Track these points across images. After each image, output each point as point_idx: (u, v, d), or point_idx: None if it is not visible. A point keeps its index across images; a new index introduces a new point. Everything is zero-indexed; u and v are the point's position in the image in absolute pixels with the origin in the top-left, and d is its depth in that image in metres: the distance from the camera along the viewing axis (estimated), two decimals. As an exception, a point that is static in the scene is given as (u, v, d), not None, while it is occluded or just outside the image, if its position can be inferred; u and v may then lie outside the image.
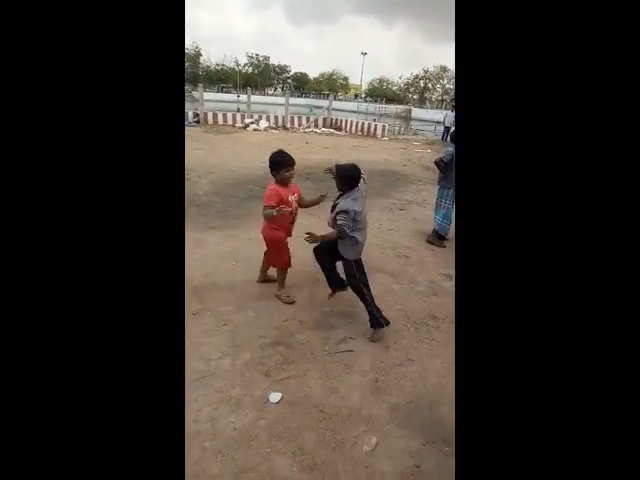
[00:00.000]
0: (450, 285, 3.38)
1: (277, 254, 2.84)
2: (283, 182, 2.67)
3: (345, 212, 2.31)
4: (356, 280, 2.51)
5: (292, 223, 2.87)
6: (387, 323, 2.52)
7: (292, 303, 2.86)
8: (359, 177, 2.44)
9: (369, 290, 2.53)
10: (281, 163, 2.63)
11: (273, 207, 2.52)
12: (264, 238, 2.80)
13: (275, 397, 1.96)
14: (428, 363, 2.32)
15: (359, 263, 2.53)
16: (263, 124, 14.54)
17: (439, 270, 3.63)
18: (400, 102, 47.36)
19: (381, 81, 60.56)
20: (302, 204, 2.88)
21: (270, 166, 2.68)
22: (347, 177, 2.42)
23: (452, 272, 3.61)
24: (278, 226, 2.72)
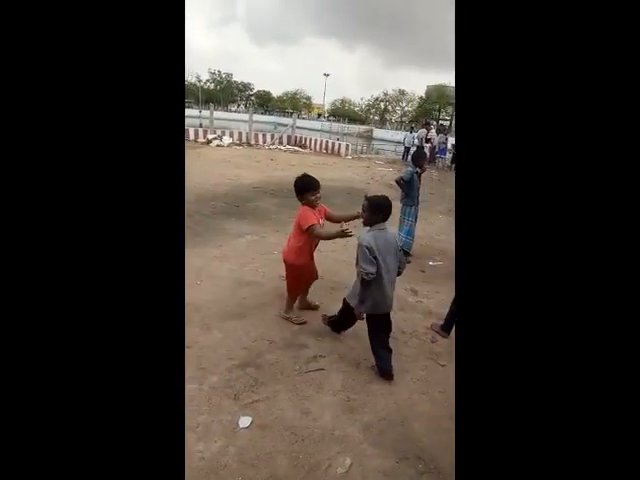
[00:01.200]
0: (415, 300, 3.47)
1: (296, 279, 2.76)
2: (311, 205, 2.59)
3: (359, 246, 2.11)
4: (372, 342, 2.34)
5: (315, 247, 2.79)
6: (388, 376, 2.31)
7: (304, 323, 2.79)
8: (388, 210, 2.21)
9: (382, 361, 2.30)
10: (307, 186, 2.56)
11: (315, 224, 2.46)
12: (286, 262, 2.70)
13: (245, 421, 1.88)
14: (398, 379, 2.34)
15: (375, 323, 2.30)
16: (227, 140, 14.44)
17: (404, 285, 3.71)
18: (362, 122, 49.00)
19: (343, 102, 62.46)
20: (332, 219, 2.75)
21: (296, 191, 2.60)
22: (376, 207, 2.21)
23: (417, 287, 3.71)
24: (305, 251, 2.63)
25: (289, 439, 1.82)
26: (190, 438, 1.76)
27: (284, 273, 3.69)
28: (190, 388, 2.07)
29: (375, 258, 2.08)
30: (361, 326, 2.91)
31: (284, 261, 2.72)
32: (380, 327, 2.34)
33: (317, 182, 2.59)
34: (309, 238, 2.57)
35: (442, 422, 2.03)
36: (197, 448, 1.72)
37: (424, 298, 3.52)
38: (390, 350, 2.35)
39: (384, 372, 2.31)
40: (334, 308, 3.11)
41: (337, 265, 4.02)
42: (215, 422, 1.87)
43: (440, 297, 3.48)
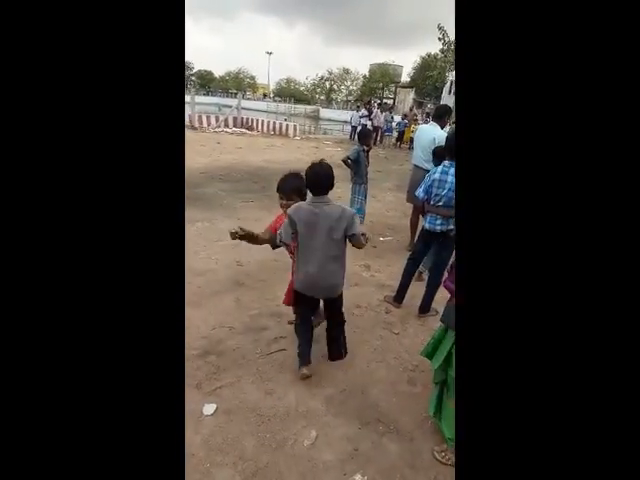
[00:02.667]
0: (369, 275, 3.60)
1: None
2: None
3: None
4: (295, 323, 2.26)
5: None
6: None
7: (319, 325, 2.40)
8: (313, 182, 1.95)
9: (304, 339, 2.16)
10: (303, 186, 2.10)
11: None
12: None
13: (209, 409, 1.88)
14: (356, 350, 2.45)
15: (302, 300, 2.09)
16: (168, 124, 13.61)
17: (358, 262, 3.83)
18: (308, 102, 48.42)
19: (288, 81, 61.13)
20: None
21: (297, 187, 2.13)
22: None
23: (370, 262, 3.84)
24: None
25: (255, 420, 1.85)
26: (153, 432, 1.74)
27: (239, 259, 3.66)
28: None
29: (295, 232, 1.91)
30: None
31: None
32: (307, 311, 2.19)
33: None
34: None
35: (398, 386, 2.17)
36: (161, 441, 1.70)
37: (376, 272, 3.66)
38: (309, 342, 2.16)
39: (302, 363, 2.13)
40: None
41: (292, 247, 4.05)
42: (178, 413, 1.85)
43: (391, 270, 3.64)
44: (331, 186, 1.95)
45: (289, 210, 1.94)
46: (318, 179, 1.92)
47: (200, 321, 2.63)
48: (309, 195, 1.99)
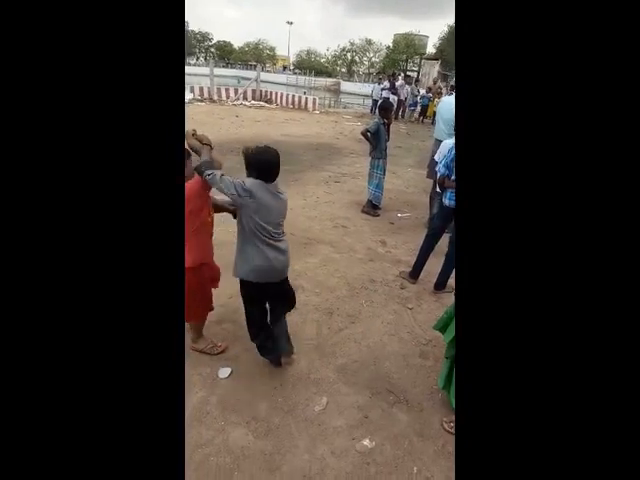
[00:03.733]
0: (385, 251, 3.58)
1: (198, 289, 1.89)
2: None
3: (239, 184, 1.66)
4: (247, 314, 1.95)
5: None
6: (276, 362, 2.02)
7: (223, 352, 2.11)
8: (263, 166, 1.73)
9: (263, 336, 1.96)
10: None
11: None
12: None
13: (224, 372, 1.96)
14: (370, 324, 2.47)
15: (255, 289, 1.82)
16: (188, 96, 13.56)
17: (375, 238, 3.81)
18: (329, 75, 47.13)
19: (309, 53, 59.39)
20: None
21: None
22: (247, 163, 1.78)
23: (386, 239, 3.81)
24: (202, 242, 1.89)
25: (267, 385, 1.92)
26: (171, 391, 1.82)
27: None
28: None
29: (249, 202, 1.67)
30: (328, 280, 3.00)
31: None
32: (261, 305, 1.95)
33: None
34: (204, 217, 1.82)
35: (410, 359, 2.19)
36: (179, 400, 1.78)
37: (393, 248, 3.63)
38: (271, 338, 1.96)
39: (274, 362, 2.02)
40: (309, 265, 3.17)
41: (309, 221, 4.04)
42: (196, 375, 1.93)
43: (408, 247, 3.61)
44: None
45: (249, 183, 1.68)
46: (275, 166, 1.75)
47: (218, 290, 2.69)
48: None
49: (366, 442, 1.66)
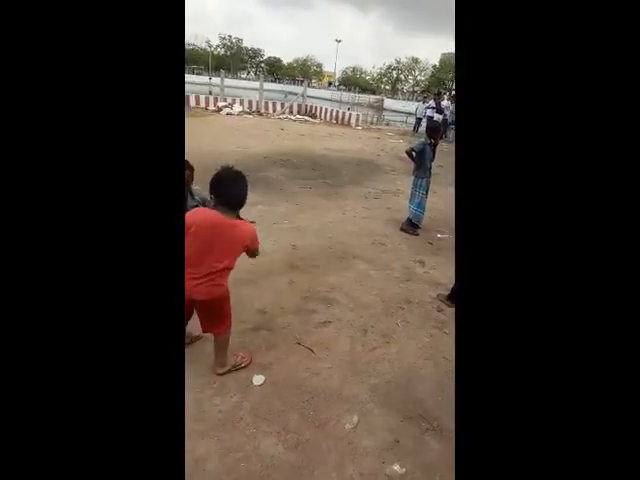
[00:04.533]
0: (422, 271, 3.52)
1: (226, 312, 1.92)
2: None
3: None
4: None
5: None
6: None
7: (250, 362, 2.11)
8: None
9: None
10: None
11: None
12: (219, 298, 1.81)
13: (258, 380, 1.99)
14: (404, 345, 2.43)
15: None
16: (237, 108, 14.19)
17: (413, 257, 3.76)
18: (373, 92, 47.53)
19: (355, 70, 60.33)
20: None
21: (238, 198, 1.77)
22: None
23: (425, 259, 3.75)
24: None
25: (300, 397, 1.93)
26: (208, 392, 1.88)
27: (295, 242, 3.77)
28: (207, 347, 2.17)
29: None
30: (363, 296, 2.99)
31: (215, 299, 1.79)
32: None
33: None
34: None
35: (445, 386, 2.12)
36: (214, 402, 1.84)
37: (431, 269, 3.56)
38: None
39: None
40: (345, 279, 3.19)
41: (347, 236, 4.06)
42: (230, 379, 1.98)
43: (447, 268, 3.52)
44: None
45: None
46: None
47: (255, 298, 2.76)
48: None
49: (396, 467, 1.62)
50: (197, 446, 1.60)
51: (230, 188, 1.74)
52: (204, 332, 1.97)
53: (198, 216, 1.71)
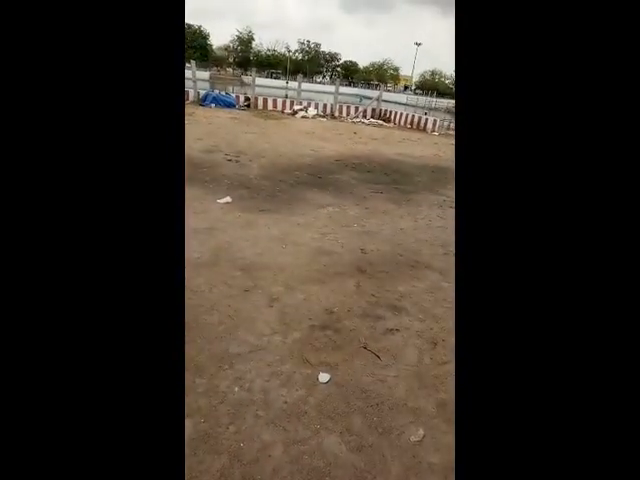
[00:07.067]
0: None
1: None
2: None
3: None
4: None
5: None
6: None
7: None
8: None
9: None
10: None
11: None
12: None
13: (324, 377, 2.02)
14: (477, 364, 2.28)
15: None
16: (312, 112, 14.57)
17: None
18: (452, 96, 45.61)
19: (433, 73, 58.46)
20: None
21: None
22: None
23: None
24: None
25: (364, 401, 1.91)
26: (274, 383, 1.95)
27: (364, 247, 3.75)
28: (275, 340, 2.26)
29: None
30: (434, 308, 2.87)
31: None
32: None
33: None
34: None
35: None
36: (281, 393, 1.90)
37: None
38: None
39: None
40: (415, 289, 3.10)
41: (419, 244, 3.95)
42: (297, 373, 2.04)
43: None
44: None
45: None
46: None
47: (323, 297, 2.80)
48: None
49: (463, 491, 1.53)
50: (264, 432, 1.67)
51: None
52: None
53: None
